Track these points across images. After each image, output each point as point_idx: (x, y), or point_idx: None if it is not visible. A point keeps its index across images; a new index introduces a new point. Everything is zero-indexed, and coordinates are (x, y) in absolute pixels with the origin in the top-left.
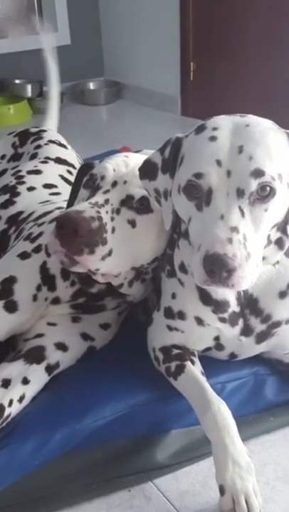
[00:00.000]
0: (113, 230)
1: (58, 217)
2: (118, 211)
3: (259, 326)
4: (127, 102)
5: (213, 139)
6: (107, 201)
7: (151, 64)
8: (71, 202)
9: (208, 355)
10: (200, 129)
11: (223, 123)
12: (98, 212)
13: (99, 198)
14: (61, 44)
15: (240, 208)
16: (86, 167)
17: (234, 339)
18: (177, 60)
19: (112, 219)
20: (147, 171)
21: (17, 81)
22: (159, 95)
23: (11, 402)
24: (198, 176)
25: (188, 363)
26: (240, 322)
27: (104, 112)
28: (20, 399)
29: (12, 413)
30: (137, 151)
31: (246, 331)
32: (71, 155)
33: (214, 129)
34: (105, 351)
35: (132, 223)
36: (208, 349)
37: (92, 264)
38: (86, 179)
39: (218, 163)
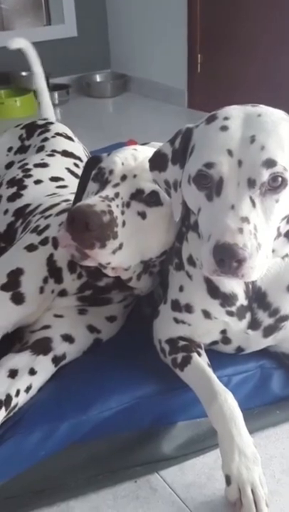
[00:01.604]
0: (124, 223)
1: (70, 212)
2: (128, 204)
3: (267, 320)
4: (133, 94)
5: (224, 128)
6: (117, 194)
7: (158, 56)
8: (79, 195)
9: (215, 349)
10: (211, 119)
11: (235, 113)
12: (109, 206)
13: (109, 191)
14: (68, 36)
15: (251, 198)
16: (94, 160)
17: (241, 333)
18: (184, 52)
19: (123, 212)
20: (157, 162)
21: (23, 73)
22: (166, 88)
23: (18, 392)
24: (209, 165)
25: (195, 355)
26: (248, 316)
27: (111, 104)
28: (27, 389)
29: (19, 403)
30: (144, 144)
31: (254, 324)
32: (78, 148)
33: (225, 118)
34: (111, 344)
35: (142, 215)
36: (215, 343)
37: (103, 258)
38: (95, 172)
39: (230, 152)
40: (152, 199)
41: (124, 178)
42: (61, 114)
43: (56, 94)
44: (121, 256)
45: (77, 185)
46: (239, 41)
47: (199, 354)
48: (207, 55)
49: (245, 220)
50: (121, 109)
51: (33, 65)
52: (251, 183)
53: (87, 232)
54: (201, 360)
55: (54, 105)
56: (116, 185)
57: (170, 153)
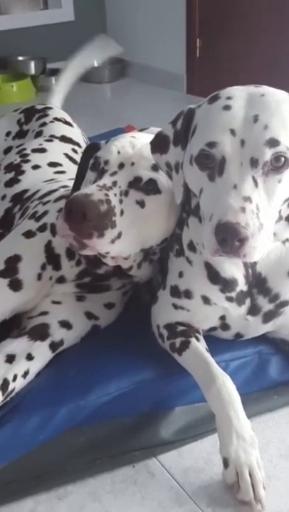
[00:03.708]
0: (122, 212)
1: (67, 202)
2: (126, 193)
3: (267, 306)
4: (131, 79)
5: (227, 108)
6: (114, 183)
7: (156, 41)
8: (77, 184)
9: (214, 335)
10: (213, 99)
11: (238, 93)
12: (106, 195)
13: (106, 180)
14: (65, 20)
15: (253, 178)
16: (92, 148)
17: (240, 319)
18: (183, 36)
19: (121, 201)
20: (159, 144)
21: (20, 58)
22: (164, 73)
23: (15, 377)
24: (212, 145)
25: (193, 339)
26: (248, 301)
27: (109, 90)
28: (25, 374)
29: (16, 388)
30: (142, 129)
31: (253, 310)
32: (76, 133)
33: (228, 98)
34: (109, 330)
35: (141, 203)
36: (214, 329)
37: (101, 248)
38: (92, 162)
39: (232, 132)
40: (150, 187)
41: (121, 166)
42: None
43: (53, 80)
44: (120, 245)
45: (76, 173)
46: (239, 25)
47: (198, 339)
48: (206, 39)
49: (248, 199)
50: (119, 95)
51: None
52: (254, 162)
53: (84, 221)
54: (200, 345)
55: (51, 90)
56: (113, 173)
57: (172, 134)
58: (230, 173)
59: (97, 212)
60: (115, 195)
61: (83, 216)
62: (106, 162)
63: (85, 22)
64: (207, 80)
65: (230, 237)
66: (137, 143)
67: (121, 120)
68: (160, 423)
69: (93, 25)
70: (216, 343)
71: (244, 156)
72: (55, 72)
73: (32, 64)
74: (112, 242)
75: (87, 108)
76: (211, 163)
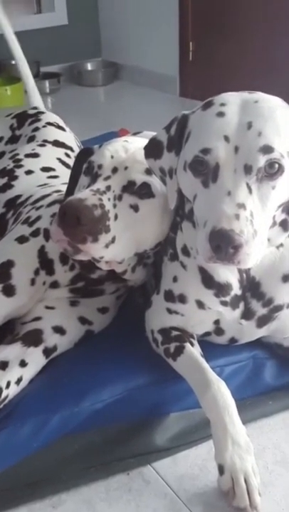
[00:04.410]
0: (116, 216)
1: (61, 206)
2: (120, 197)
3: (260, 310)
4: (124, 82)
5: (221, 114)
6: (108, 188)
7: (149, 44)
8: (71, 188)
9: (208, 340)
10: (207, 105)
11: (232, 99)
12: (100, 199)
13: (100, 184)
14: (58, 24)
15: (247, 184)
16: (85, 152)
17: (234, 323)
18: (176, 39)
19: (115, 206)
20: (152, 149)
21: (13, 62)
22: (158, 76)
23: (8, 384)
24: (206, 151)
25: (188, 344)
26: (241, 305)
27: (102, 93)
28: (18, 381)
29: (9, 395)
30: (136, 133)
31: (247, 314)
32: (69, 137)
33: (222, 104)
34: (103, 335)
35: (135, 208)
36: (208, 334)
37: (96, 252)
38: (85, 166)
39: (226, 138)
40: (144, 191)
41: (115, 170)
42: (52, 103)
43: (47, 83)
44: (114, 249)
45: (69, 178)
46: (233, 28)
47: (192, 344)
48: (199, 42)
49: (242, 206)
50: (112, 98)
51: (16, 52)
52: (248, 169)
53: (78, 226)
54: (194, 350)
55: (45, 94)
56: (107, 178)
57: (166, 140)
58: (224, 179)
59: (91, 217)
60: (109, 199)
61: (77, 221)
62: (100, 166)
63: (79, 26)
64: (200, 83)
65: (224, 244)
66: (130, 147)
67: (114, 123)
68: (155, 430)
69: (86, 29)
70: (210, 349)
71: (238, 162)
72: (48, 76)
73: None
74: (106, 246)
75: (80, 111)
76: (205, 170)
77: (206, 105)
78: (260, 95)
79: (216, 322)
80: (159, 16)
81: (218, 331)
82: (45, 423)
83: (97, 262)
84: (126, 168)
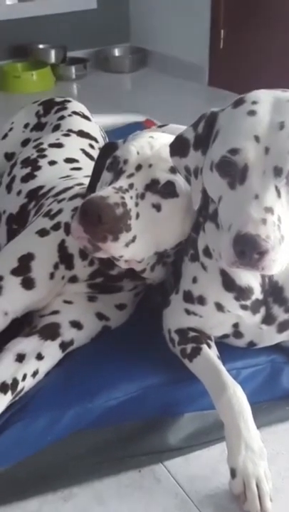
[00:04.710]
0: (137, 215)
1: (82, 204)
2: (143, 196)
3: (282, 315)
4: (152, 69)
5: (252, 113)
6: (131, 186)
7: (179, 30)
8: (93, 183)
9: (226, 342)
10: (238, 103)
11: (264, 97)
12: (122, 197)
13: (123, 182)
14: (87, 8)
15: (276, 187)
16: (109, 147)
17: (254, 327)
18: (207, 26)
19: (137, 204)
20: (178, 147)
21: (41, 46)
22: (186, 64)
23: (24, 377)
24: (234, 151)
25: (205, 346)
26: (262, 310)
27: (129, 80)
28: (34, 374)
29: (25, 387)
30: (161, 126)
31: (268, 319)
32: (94, 128)
33: (254, 102)
34: (120, 331)
35: (157, 207)
36: (226, 336)
37: (116, 251)
38: (109, 161)
39: (256, 138)
40: (167, 190)
41: (139, 168)
42: (78, 89)
43: (73, 69)
44: (134, 249)
45: (92, 172)
46: (266, 16)
47: (209, 346)
48: (231, 30)
49: (269, 210)
50: (139, 85)
51: None
52: (278, 171)
53: (99, 225)
54: (211, 352)
55: (71, 80)
56: (130, 175)
57: (192, 138)
58: (252, 181)
59: (113, 216)
60: (131, 197)
61: (98, 219)
62: (125, 161)
63: (108, 10)
64: (230, 73)
65: (249, 250)
66: (156, 143)
67: (140, 111)
68: (168, 429)
69: (115, 14)
70: (228, 351)
71: (268, 164)
72: (75, 61)
73: (52, 52)
74: (127, 245)
75: (106, 98)
76: (233, 171)
77: (236, 103)
78: None
79: (235, 325)
80: (190, 2)
81: (237, 334)
82: (59, 418)
83: (116, 261)
84: (150, 165)
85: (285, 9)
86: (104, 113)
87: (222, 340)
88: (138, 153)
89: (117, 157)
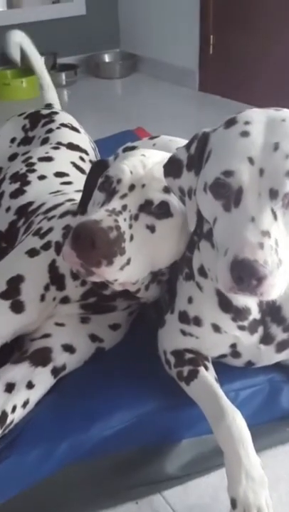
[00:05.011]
0: (131, 237)
1: (74, 228)
2: (136, 217)
3: (280, 335)
4: (142, 75)
5: (245, 134)
6: (124, 207)
7: (169, 36)
8: (84, 202)
9: (223, 362)
10: (230, 123)
11: (256, 117)
12: (116, 220)
13: (116, 203)
14: (76, 14)
15: (272, 210)
16: (100, 165)
17: (252, 347)
18: (196, 32)
19: (130, 226)
20: (171, 168)
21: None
22: (177, 69)
23: (14, 408)
24: (228, 173)
25: (202, 369)
26: (260, 330)
27: (120, 85)
28: (24, 404)
29: (15, 420)
30: (153, 137)
31: (266, 339)
32: (84, 140)
33: (246, 123)
34: (114, 352)
35: (151, 228)
36: (224, 356)
37: (110, 275)
38: (101, 181)
39: (250, 160)
40: (161, 210)
41: (132, 188)
42: (68, 96)
43: (64, 75)
44: (129, 271)
45: (83, 190)
46: (256, 22)
47: (206, 368)
48: (220, 35)
49: (266, 233)
50: (130, 91)
51: (29, 50)
52: (273, 193)
53: (93, 250)
54: (209, 375)
55: (61, 86)
56: (123, 196)
57: (185, 159)
58: (247, 204)
59: (107, 240)
60: (125, 219)
61: (92, 244)
62: (119, 181)
63: (97, 16)
64: (220, 78)
65: (247, 276)
66: (148, 162)
67: (131, 118)
68: (166, 457)
69: (105, 20)
70: (225, 371)
71: (263, 186)
72: (65, 68)
73: (42, 59)
74: (121, 268)
75: (97, 104)
76: (227, 193)
77: (228, 123)
78: (287, 113)
79: (233, 346)
80: (180, 8)
81: (235, 354)
82: (52, 451)
83: (110, 284)
84: (143, 185)
85: (274, 15)
86: (94, 122)
87: (219, 360)
88: (131, 172)
89: (110, 177)
